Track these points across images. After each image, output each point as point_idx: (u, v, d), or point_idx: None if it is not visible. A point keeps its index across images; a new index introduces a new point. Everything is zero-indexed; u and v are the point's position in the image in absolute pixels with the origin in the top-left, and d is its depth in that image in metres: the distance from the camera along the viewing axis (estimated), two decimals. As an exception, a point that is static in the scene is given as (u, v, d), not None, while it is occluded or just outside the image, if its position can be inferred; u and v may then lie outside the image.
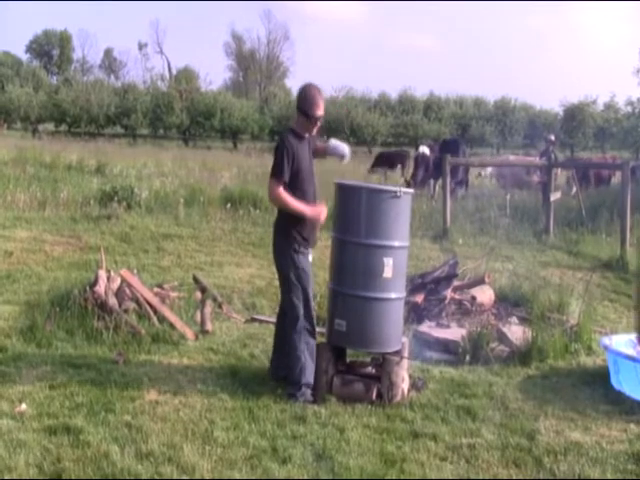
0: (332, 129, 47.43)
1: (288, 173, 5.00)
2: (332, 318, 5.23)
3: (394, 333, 5.22)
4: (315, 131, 5.22)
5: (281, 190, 5.01)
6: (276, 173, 5.01)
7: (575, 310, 6.99)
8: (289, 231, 5.07)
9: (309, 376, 5.04)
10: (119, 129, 49.17)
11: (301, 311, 5.09)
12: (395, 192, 5.01)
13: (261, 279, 8.49)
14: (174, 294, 7.08)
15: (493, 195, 16.76)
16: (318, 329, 6.66)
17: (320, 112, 5.10)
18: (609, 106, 51.20)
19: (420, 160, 18.48)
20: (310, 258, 5.18)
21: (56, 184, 14.63)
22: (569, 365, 6.12)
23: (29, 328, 6.10)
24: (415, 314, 6.96)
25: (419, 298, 7.21)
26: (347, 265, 5.15)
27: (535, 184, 17.24)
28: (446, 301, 7.31)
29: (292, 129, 5.21)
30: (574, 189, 16.73)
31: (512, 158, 20.21)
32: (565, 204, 14.81)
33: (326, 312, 5.51)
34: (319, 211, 5.10)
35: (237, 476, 3.87)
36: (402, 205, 5.09)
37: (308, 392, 5.00)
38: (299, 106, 5.14)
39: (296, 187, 5.04)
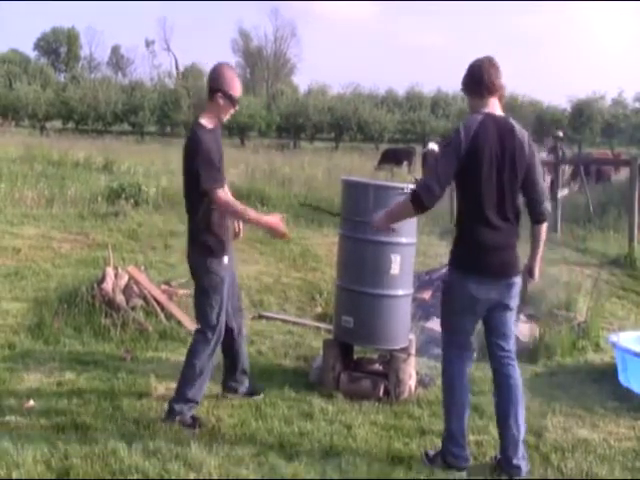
0: (340, 126, 47.46)
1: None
2: (339, 315, 5.23)
3: (401, 330, 5.22)
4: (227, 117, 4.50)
5: (229, 196, 4.47)
6: (215, 180, 4.33)
7: (583, 307, 6.97)
8: (203, 236, 4.45)
9: (197, 392, 4.52)
10: (126, 126, 49.14)
11: (213, 322, 4.51)
12: (402, 189, 5.00)
13: (268, 276, 8.50)
14: (181, 291, 7.08)
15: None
16: (325, 326, 6.70)
17: (240, 92, 4.43)
18: (617, 102, 50.99)
19: (429, 156, 18.44)
20: (226, 260, 4.53)
21: (64, 181, 14.66)
22: (577, 362, 6.11)
23: (37, 325, 6.13)
24: (422, 311, 6.94)
25: (426, 295, 7.20)
26: (354, 262, 5.15)
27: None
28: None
29: (201, 125, 4.42)
30: (577, 185, 16.68)
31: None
32: (573, 201, 14.76)
33: (333, 309, 5.51)
34: (278, 219, 4.47)
35: (244, 473, 3.87)
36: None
37: (189, 414, 4.46)
38: (217, 87, 4.36)
39: (209, 203, 4.38)
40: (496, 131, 3.85)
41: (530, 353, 6.07)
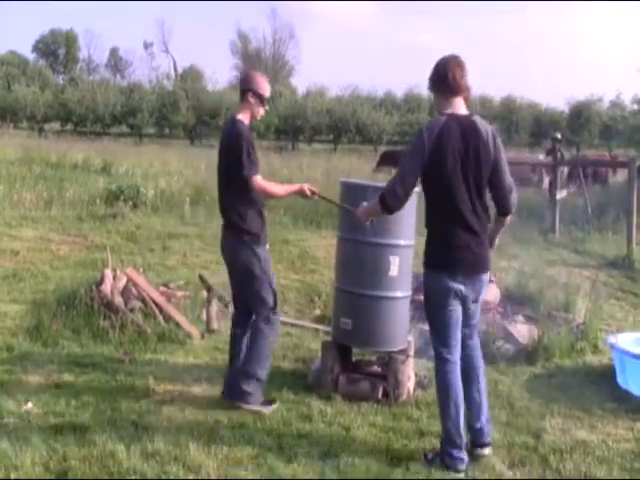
0: (338, 128, 47.45)
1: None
2: (338, 317, 5.23)
3: (400, 332, 5.22)
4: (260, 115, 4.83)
5: (264, 181, 4.71)
6: (255, 167, 4.62)
7: (581, 308, 6.98)
8: (248, 227, 4.68)
9: (264, 371, 4.76)
10: (125, 128, 49.15)
11: (271, 304, 4.79)
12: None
13: (267, 278, 8.48)
14: (180, 293, 7.08)
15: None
16: (324, 328, 6.69)
17: (268, 93, 4.83)
18: (615, 104, 50.98)
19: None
20: (267, 247, 4.87)
21: (62, 183, 14.66)
22: (575, 364, 6.11)
23: (35, 327, 6.12)
24: (421, 312, 6.92)
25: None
26: (353, 264, 5.15)
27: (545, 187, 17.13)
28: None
29: (239, 119, 4.75)
30: (574, 186, 16.70)
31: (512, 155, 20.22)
32: (571, 202, 14.78)
33: (332, 311, 5.51)
34: (300, 185, 4.84)
35: (243, 474, 3.87)
36: (408, 204, 5.06)
37: (259, 392, 4.72)
38: (247, 87, 4.75)
39: (249, 191, 4.68)
40: (459, 130, 3.92)
41: (528, 354, 6.07)
